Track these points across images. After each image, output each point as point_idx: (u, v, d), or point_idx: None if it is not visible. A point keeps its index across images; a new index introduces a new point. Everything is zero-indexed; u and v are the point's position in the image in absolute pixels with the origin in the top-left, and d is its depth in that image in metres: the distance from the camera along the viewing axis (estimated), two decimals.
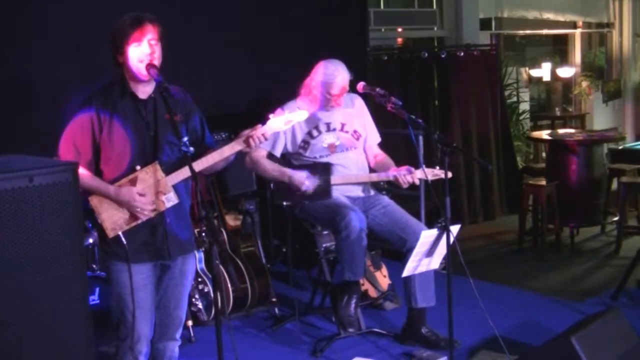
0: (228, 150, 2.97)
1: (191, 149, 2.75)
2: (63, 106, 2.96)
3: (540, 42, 10.61)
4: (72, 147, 2.88)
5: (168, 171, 2.92)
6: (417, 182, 4.10)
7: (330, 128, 4.21)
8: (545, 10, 9.27)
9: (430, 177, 4.01)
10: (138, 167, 2.90)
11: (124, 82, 2.92)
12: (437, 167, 4.06)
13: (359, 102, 4.34)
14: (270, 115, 3.03)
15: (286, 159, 4.26)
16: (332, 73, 4.09)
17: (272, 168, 4.18)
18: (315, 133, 4.19)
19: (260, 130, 2.97)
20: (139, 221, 2.91)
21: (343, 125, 4.24)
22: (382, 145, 4.44)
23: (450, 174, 3.66)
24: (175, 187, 2.93)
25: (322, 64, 4.15)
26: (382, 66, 6.79)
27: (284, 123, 3.03)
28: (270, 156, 4.22)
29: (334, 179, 4.14)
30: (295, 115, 3.06)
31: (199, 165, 2.92)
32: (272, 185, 4.23)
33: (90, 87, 2.94)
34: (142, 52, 2.84)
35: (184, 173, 2.91)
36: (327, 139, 4.20)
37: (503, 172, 7.42)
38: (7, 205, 2.25)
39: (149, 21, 2.86)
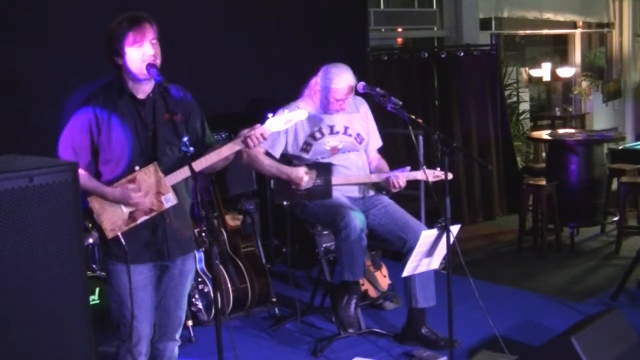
0: (227, 150, 2.96)
1: (191, 148, 2.73)
2: (63, 106, 2.95)
3: (540, 42, 10.61)
4: (71, 149, 2.87)
5: (167, 171, 2.90)
6: (402, 185, 4.09)
7: (333, 131, 4.20)
8: (545, 10, 9.27)
9: (431, 179, 4.01)
10: (137, 168, 2.89)
11: (123, 82, 2.91)
12: (438, 169, 4.05)
13: (363, 105, 4.33)
14: (270, 115, 3.01)
15: (286, 159, 4.25)
16: (335, 78, 4.06)
17: (269, 164, 4.15)
18: (318, 135, 4.18)
19: (259, 130, 2.94)
20: (138, 222, 2.90)
21: (346, 128, 4.23)
22: (382, 146, 4.44)
23: (450, 175, 3.65)
24: (176, 188, 2.92)
25: (327, 68, 4.12)
26: (382, 66, 6.78)
27: (283, 122, 3.01)
28: (268, 155, 4.21)
29: (335, 179, 4.13)
30: (295, 115, 3.04)
31: (198, 165, 2.90)
32: (271, 184, 4.21)
33: (89, 87, 2.93)
34: (145, 53, 2.81)
35: (183, 173, 2.90)
36: (330, 141, 4.18)
37: (503, 172, 7.42)
38: (7, 205, 2.25)
39: (148, 21, 2.84)
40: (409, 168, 4.13)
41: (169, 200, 2.90)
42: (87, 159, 2.89)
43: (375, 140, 4.38)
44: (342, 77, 4.06)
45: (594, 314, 3.68)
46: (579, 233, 6.42)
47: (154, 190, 2.87)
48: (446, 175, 3.60)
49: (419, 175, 4.08)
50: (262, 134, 2.94)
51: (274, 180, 4.19)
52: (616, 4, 10.15)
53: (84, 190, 2.79)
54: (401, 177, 4.08)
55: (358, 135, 4.25)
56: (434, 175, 4.04)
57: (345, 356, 4.05)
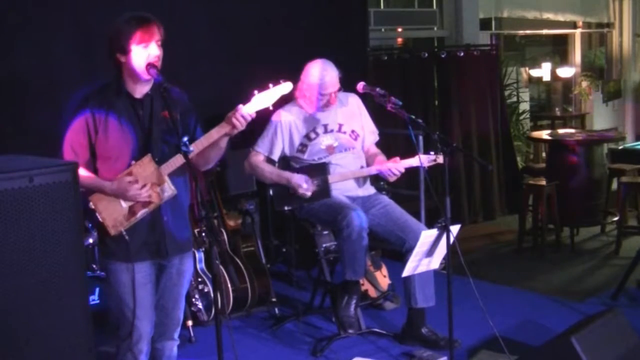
0: (215, 134, 2.89)
1: (191, 148, 2.74)
2: (63, 106, 2.96)
3: (540, 42, 10.61)
4: (70, 149, 2.89)
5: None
6: (400, 172, 4.12)
7: (327, 129, 4.21)
8: (545, 10, 9.26)
9: (427, 164, 4.02)
10: (132, 162, 2.89)
11: (121, 81, 2.91)
12: (432, 153, 4.05)
13: (354, 100, 4.33)
14: (256, 92, 2.96)
15: (285, 162, 4.27)
16: (321, 73, 4.10)
17: (270, 171, 4.20)
18: (312, 135, 4.19)
19: (245, 109, 2.86)
20: (138, 215, 2.89)
21: (340, 125, 4.24)
22: (382, 145, 4.44)
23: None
24: (175, 185, 2.91)
25: (310, 66, 4.17)
26: (382, 66, 6.78)
27: (269, 99, 2.93)
28: (269, 161, 4.23)
29: (332, 178, 4.14)
30: (279, 89, 2.96)
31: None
32: (271, 191, 4.23)
33: (88, 87, 2.93)
34: (151, 54, 2.82)
35: (177, 162, 2.87)
36: (325, 140, 4.19)
37: (503, 172, 7.42)
38: (7, 205, 2.25)
39: (155, 23, 2.85)
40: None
41: (166, 190, 2.90)
42: (86, 157, 2.90)
43: (371, 135, 4.38)
44: (327, 71, 4.10)
45: (594, 314, 3.68)
46: (579, 233, 6.42)
47: (151, 181, 2.87)
48: (446, 176, 3.59)
49: (414, 161, 4.08)
50: (248, 113, 2.86)
51: (273, 187, 4.21)
52: (616, 4, 10.14)
53: (83, 188, 2.79)
54: (398, 164, 4.09)
55: (353, 131, 4.26)
56: (429, 159, 4.05)
57: (345, 356, 4.05)
